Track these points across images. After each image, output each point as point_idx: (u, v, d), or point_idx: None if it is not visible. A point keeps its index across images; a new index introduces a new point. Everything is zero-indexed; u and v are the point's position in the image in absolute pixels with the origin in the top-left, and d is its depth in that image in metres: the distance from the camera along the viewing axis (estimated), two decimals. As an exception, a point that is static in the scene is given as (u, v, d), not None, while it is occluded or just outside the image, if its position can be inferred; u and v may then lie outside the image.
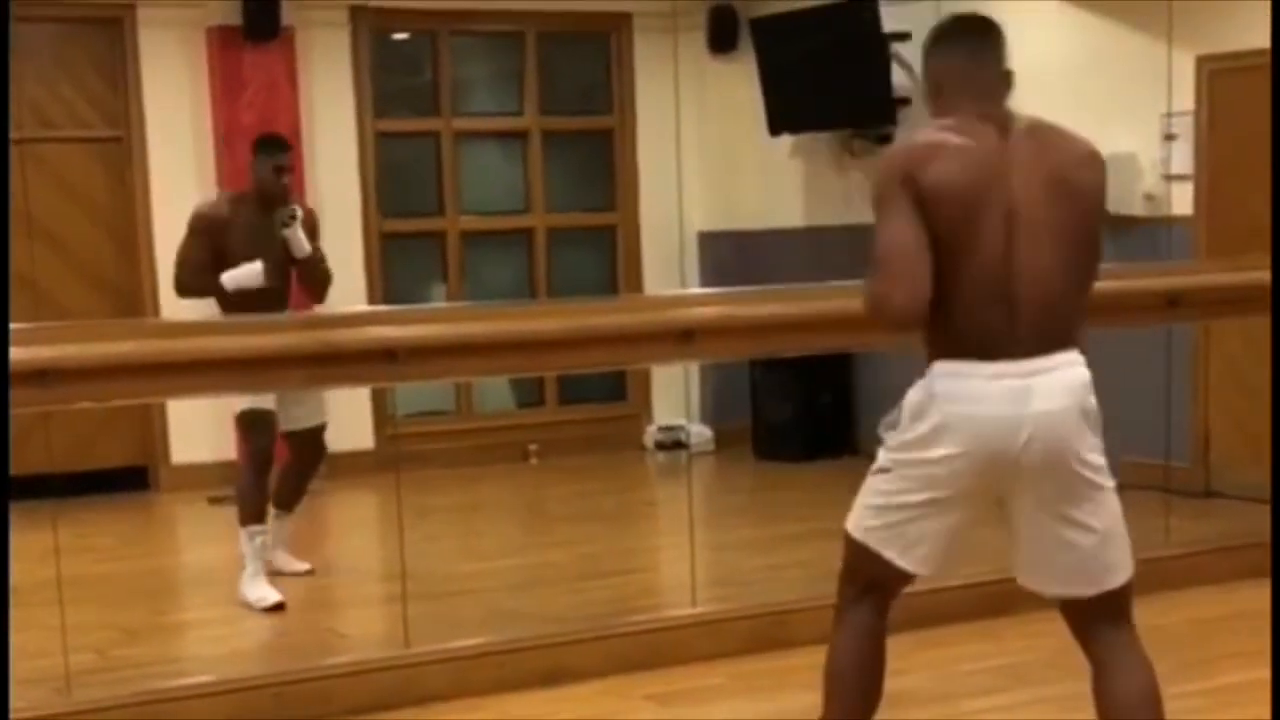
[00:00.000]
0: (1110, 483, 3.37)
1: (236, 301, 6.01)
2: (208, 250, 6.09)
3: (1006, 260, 3.26)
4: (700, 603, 5.51)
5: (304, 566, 6.61)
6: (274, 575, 6.27)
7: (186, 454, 8.84)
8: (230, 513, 6.34)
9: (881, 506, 3.45)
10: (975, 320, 3.30)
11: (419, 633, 5.14)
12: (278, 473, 6.40)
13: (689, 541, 5.71)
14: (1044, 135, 3.38)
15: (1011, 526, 3.43)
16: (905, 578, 3.49)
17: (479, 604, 6.07)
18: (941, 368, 3.35)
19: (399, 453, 8.22)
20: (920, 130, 3.44)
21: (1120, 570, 3.41)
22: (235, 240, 6.09)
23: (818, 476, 8.67)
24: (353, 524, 8.54)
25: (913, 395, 3.39)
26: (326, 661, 5.11)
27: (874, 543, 3.46)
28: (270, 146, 6.29)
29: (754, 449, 9.64)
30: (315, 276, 6.29)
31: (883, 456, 3.45)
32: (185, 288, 6.21)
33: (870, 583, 3.52)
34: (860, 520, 3.49)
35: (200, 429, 8.58)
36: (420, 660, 4.97)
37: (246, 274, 6.03)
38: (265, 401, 6.06)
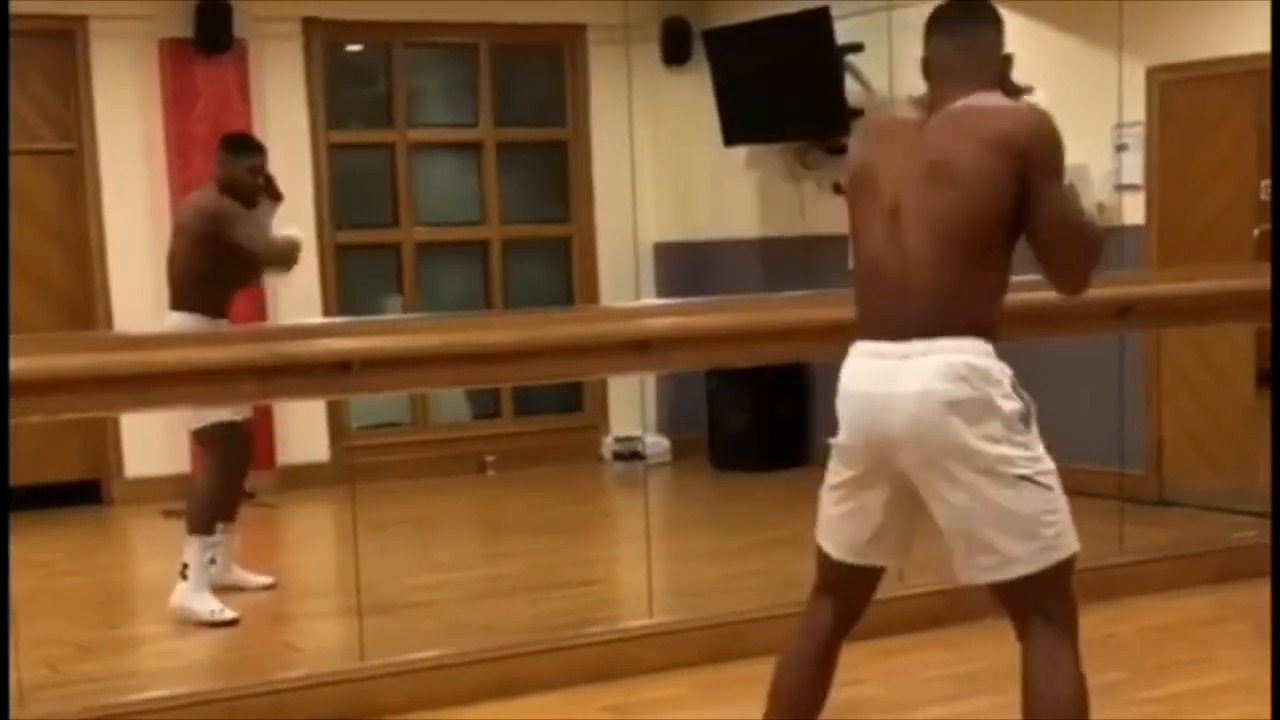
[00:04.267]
0: (1013, 471, 3.20)
1: (221, 294, 6.18)
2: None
3: (889, 244, 3.31)
4: (657, 613, 5.51)
5: (265, 580, 6.54)
6: (232, 591, 6.21)
7: (140, 467, 8.78)
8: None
9: (824, 491, 3.48)
10: (866, 301, 3.38)
11: (374, 645, 5.11)
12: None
13: (646, 552, 5.72)
14: (958, 118, 3.30)
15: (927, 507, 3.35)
16: (849, 570, 3.46)
17: (435, 616, 6.05)
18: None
19: (354, 465, 8.20)
20: None
21: (996, 568, 3.25)
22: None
23: (774, 486, 8.69)
24: (307, 536, 8.50)
25: None
26: (280, 675, 5.08)
27: (818, 532, 3.50)
28: (247, 148, 6.31)
29: (711, 459, 9.65)
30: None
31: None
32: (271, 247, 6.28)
33: (821, 575, 3.52)
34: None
35: (154, 442, 8.52)
36: (376, 673, 4.94)
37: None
38: (239, 413, 6.08)
